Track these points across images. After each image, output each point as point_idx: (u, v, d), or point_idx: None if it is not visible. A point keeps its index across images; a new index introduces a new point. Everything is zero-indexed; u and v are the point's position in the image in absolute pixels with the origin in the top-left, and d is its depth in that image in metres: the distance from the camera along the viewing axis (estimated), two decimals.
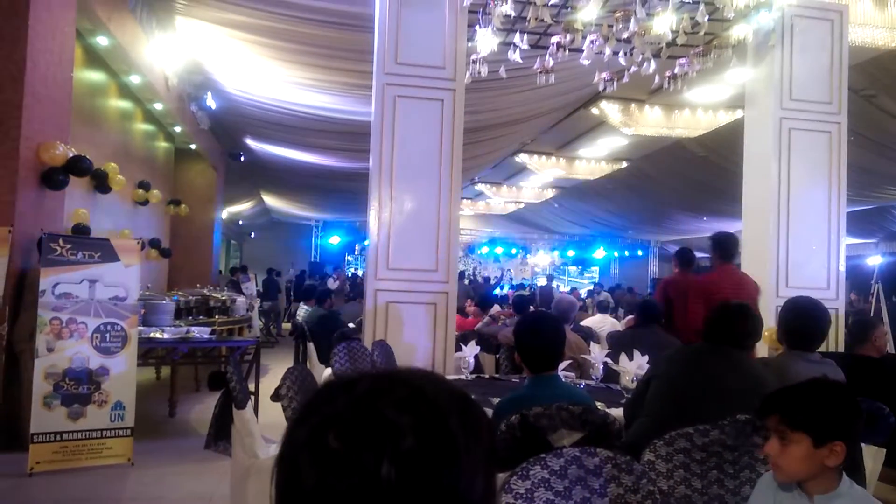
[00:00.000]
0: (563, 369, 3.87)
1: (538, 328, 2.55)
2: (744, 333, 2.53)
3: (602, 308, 8.43)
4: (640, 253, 25.30)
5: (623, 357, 3.69)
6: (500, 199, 17.99)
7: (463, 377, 4.44)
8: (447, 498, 0.57)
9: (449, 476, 0.57)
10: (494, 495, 0.61)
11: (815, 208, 5.55)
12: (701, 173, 12.31)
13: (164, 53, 7.97)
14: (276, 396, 3.03)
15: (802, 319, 2.96)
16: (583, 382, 4.02)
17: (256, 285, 14.71)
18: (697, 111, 9.57)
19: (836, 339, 5.43)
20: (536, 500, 1.48)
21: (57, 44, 5.33)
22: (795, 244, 5.47)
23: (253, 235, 24.00)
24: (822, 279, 5.51)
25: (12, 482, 4.30)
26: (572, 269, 24.89)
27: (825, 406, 1.60)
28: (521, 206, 18.84)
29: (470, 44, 5.22)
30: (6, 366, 4.77)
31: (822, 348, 5.10)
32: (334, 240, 23.24)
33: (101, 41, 6.72)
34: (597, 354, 4.19)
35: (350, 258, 23.27)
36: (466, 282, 15.71)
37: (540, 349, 2.49)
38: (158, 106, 9.01)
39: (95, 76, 7.49)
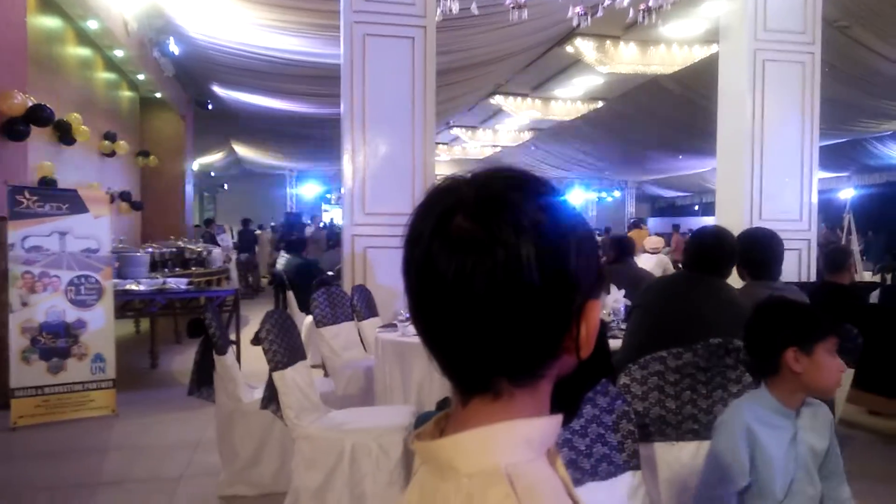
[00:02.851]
0: None
1: None
2: (718, 258, 2.53)
3: None
4: (617, 194, 25.43)
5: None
6: (477, 143, 17.84)
7: None
8: (569, 280, 0.59)
9: (570, 256, 0.59)
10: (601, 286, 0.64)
11: (789, 140, 5.59)
12: (677, 111, 12.29)
13: None
14: (256, 340, 3.03)
15: (760, 250, 2.97)
16: None
17: (232, 237, 14.57)
18: (672, 47, 9.47)
19: (808, 269, 5.55)
20: None
21: None
22: (769, 177, 5.52)
23: (226, 187, 23.64)
24: (795, 211, 5.60)
25: None
26: None
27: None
28: (498, 149, 18.72)
29: None
30: None
31: (794, 277, 5.24)
32: (308, 189, 23.00)
33: None
34: None
35: (327, 207, 23.10)
36: None
37: None
38: (119, 53, 8.69)
39: (51, 22, 7.17)
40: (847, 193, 15.39)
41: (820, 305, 3.01)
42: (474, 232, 0.57)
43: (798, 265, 5.49)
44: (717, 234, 2.61)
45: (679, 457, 1.95)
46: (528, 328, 0.58)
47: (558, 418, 0.63)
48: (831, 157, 13.67)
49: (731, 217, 5.51)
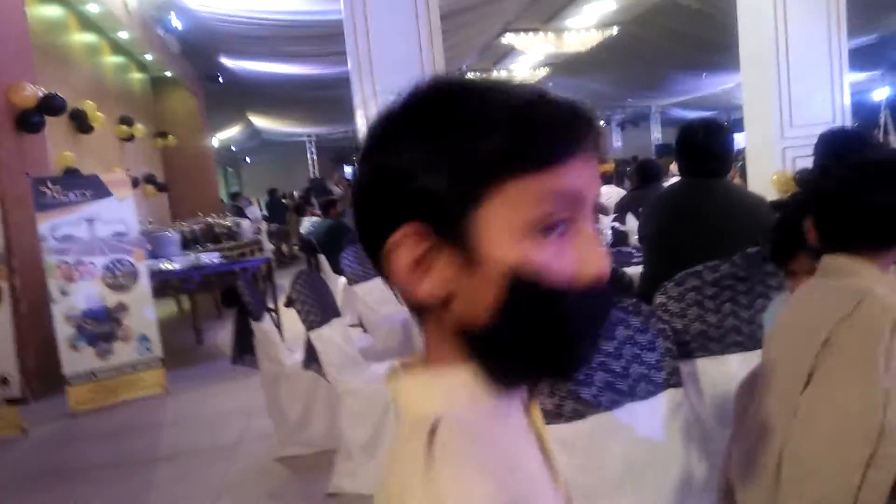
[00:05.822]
0: None
1: None
2: (717, 155, 2.27)
3: (607, 179, 8.35)
4: (641, 122, 24.86)
5: (629, 217, 3.66)
6: None
7: None
8: (397, 181, 0.51)
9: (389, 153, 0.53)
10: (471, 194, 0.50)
11: (815, 43, 5.33)
12: (696, 28, 11.81)
13: None
14: (288, 302, 3.05)
15: (841, 153, 2.58)
16: None
17: (260, 209, 14.67)
18: None
19: None
20: None
21: None
22: (797, 82, 5.29)
23: (248, 160, 23.74)
24: (828, 114, 5.37)
25: (61, 424, 4.47)
26: None
27: None
28: None
29: None
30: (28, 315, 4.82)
31: None
32: (329, 153, 22.93)
33: None
34: (604, 221, 4.18)
35: (349, 168, 23.06)
36: None
37: None
38: (124, 35, 8.64)
39: (51, 11, 7.13)
40: (881, 93, 14.75)
41: None
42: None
43: None
44: (707, 128, 2.31)
45: (725, 371, 1.90)
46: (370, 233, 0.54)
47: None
48: (862, 58, 13.05)
49: (762, 129, 5.33)
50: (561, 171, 0.48)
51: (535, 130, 0.48)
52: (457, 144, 0.49)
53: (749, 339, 1.89)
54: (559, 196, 0.48)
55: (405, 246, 0.51)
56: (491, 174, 0.48)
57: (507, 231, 0.49)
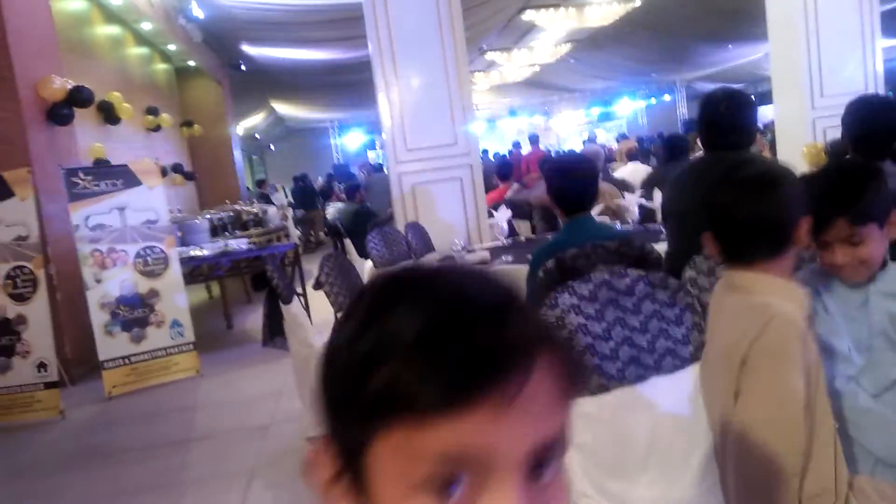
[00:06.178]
0: (598, 216, 3.83)
1: (570, 168, 2.46)
2: (739, 128, 2.21)
3: (632, 157, 8.24)
4: (667, 98, 24.42)
5: (657, 192, 3.62)
6: (513, 65, 17.31)
7: (499, 243, 4.45)
8: None
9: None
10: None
11: (846, 7, 5.19)
12: None
13: None
14: (317, 284, 3.10)
15: (871, 120, 2.47)
16: (619, 224, 3.98)
17: (286, 196, 14.76)
18: None
19: None
20: (567, 326, 1.49)
21: None
22: (828, 49, 5.16)
23: (273, 148, 23.89)
24: (860, 82, 5.24)
25: (97, 407, 4.60)
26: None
27: (874, 186, 1.43)
28: (537, 68, 18.14)
29: None
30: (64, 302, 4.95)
31: None
32: (352, 139, 22.99)
33: None
34: (630, 198, 4.15)
35: (372, 154, 23.10)
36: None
37: (573, 188, 2.36)
38: (147, 26, 8.73)
39: (76, 5, 7.23)
40: None
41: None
42: None
43: None
44: (728, 100, 2.24)
45: None
46: None
47: None
48: (894, 22, 12.64)
49: (791, 99, 5.23)
50: (448, 424, 0.39)
51: (415, 371, 0.40)
52: (347, 378, 0.43)
53: None
54: (443, 453, 0.40)
55: (322, 460, 0.46)
56: (370, 418, 0.41)
57: (390, 484, 0.42)
